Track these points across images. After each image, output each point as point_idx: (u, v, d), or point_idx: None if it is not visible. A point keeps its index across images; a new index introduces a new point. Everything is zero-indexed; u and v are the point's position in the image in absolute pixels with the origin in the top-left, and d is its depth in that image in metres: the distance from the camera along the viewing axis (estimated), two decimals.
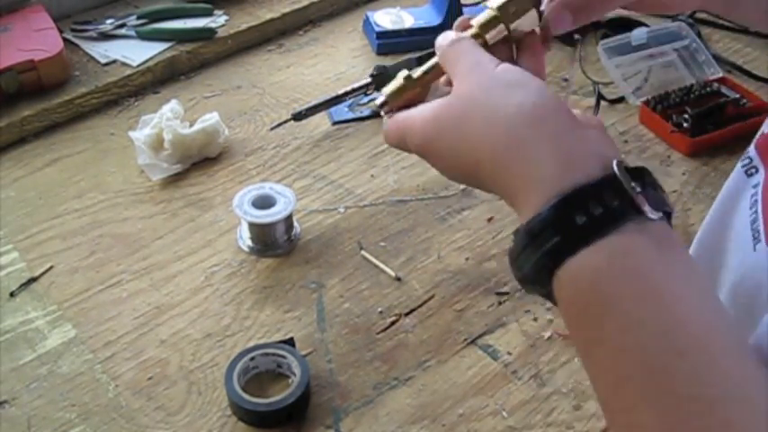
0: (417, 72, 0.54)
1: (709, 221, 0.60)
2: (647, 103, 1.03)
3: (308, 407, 0.72)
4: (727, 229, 0.55)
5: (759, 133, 0.53)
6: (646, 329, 0.38)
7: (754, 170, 0.53)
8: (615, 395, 0.40)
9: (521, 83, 0.46)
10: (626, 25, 1.19)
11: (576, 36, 1.13)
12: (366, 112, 1.07)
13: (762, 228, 0.48)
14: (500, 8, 0.51)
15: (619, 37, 1.11)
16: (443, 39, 0.52)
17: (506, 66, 0.47)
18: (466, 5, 1.22)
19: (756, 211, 0.50)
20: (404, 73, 0.54)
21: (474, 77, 0.47)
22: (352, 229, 0.90)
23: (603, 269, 0.40)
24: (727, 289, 0.53)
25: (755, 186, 0.51)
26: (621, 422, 0.40)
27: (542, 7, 0.52)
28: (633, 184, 0.41)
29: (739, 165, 0.55)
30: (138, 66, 1.10)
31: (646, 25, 1.19)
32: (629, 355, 0.39)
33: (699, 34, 1.18)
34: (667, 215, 0.42)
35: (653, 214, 0.40)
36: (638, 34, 1.10)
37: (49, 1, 1.15)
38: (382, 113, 0.55)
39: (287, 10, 1.22)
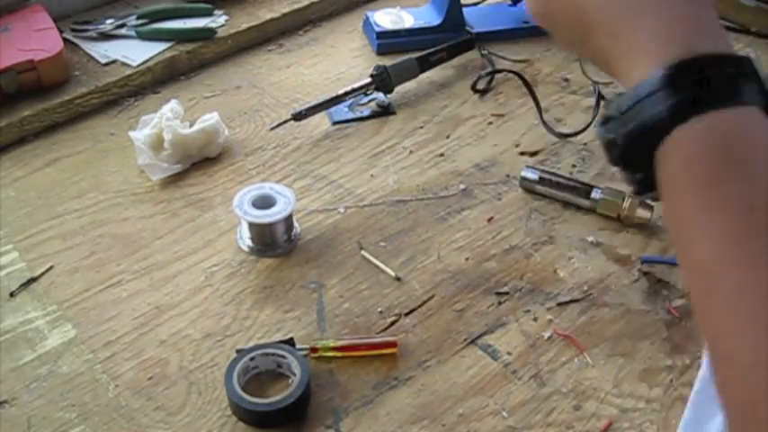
0: None
1: None
2: None
3: (308, 407, 0.72)
4: None
5: None
6: None
7: None
8: (739, 248, 0.37)
9: None
10: None
11: None
12: (366, 112, 1.07)
13: None
14: None
15: None
16: None
17: None
18: (466, 5, 1.22)
19: None
20: None
21: None
22: (352, 229, 0.90)
23: (740, 126, 0.39)
24: None
25: None
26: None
27: None
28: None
29: None
30: (138, 66, 1.10)
31: None
32: (758, 212, 0.37)
33: None
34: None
35: None
36: None
37: (49, 1, 1.15)
38: None
39: (287, 10, 1.22)
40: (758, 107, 0.39)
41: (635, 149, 0.41)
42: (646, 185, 0.42)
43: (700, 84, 0.39)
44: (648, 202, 0.89)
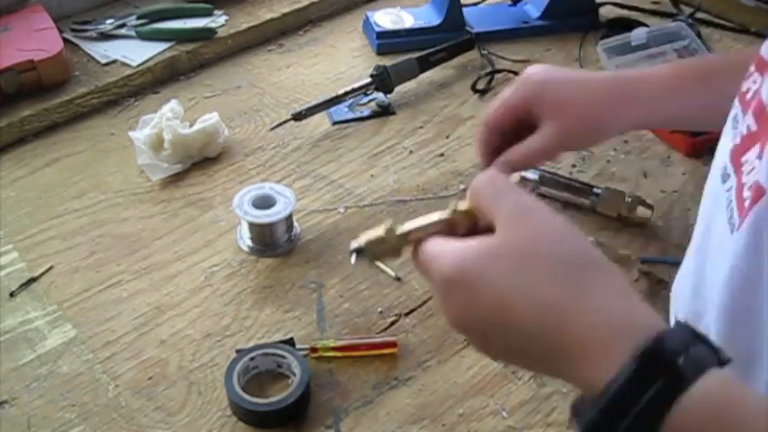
0: (404, 228, 0.50)
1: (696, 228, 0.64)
2: None
3: (308, 407, 0.72)
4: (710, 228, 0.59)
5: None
6: None
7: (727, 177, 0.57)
8: None
9: (572, 231, 0.46)
10: (626, 25, 1.19)
11: None
12: (366, 112, 1.07)
13: (736, 221, 0.52)
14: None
15: (618, 37, 1.11)
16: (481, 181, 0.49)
17: (552, 211, 0.46)
18: (466, 5, 1.22)
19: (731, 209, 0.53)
20: (386, 225, 0.50)
21: (525, 223, 0.46)
22: (352, 229, 0.90)
23: (724, 391, 0.40)
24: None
25: (729, 190, 0.55)
26: None
27: None
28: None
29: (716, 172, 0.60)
30: (138, 66, 1.10)
31: (645, 25, 1.19)
32: None
33: (699, 34, 1.18)
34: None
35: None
36: (637, 34, 1.10)
37: (49, 1, 1.15)
38: (352, 260, 0.50)
39: (287, 10, 1.22)
40: (717, 365, 0.41)
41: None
42: None
43: (669, 370, 0.40)
44: (648, 202, 0.89)
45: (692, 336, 0.41)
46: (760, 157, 0.50)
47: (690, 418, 0.40)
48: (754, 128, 0.52)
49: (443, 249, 0.47)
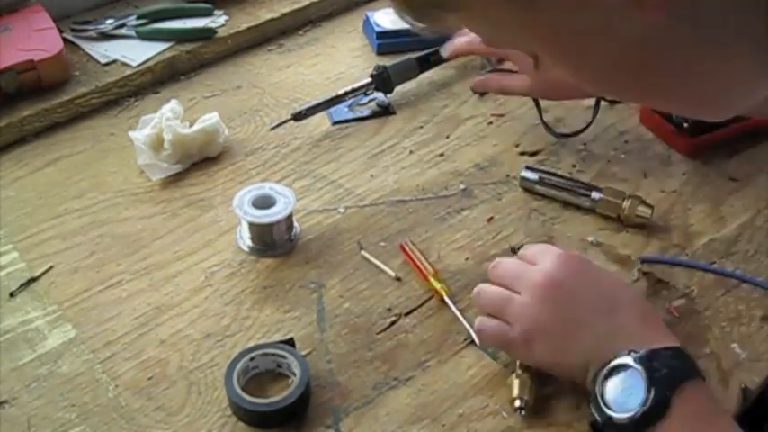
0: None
1: None
2: None
3: (308, 407, 0.72)
4: None
5: None
6: None
7: None
8: None
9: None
10: None
11: None
12: (366, 112, 1.07)
13: None
14: None
15: None
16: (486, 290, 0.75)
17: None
18: None
19: None
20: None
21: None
22: (352, 229, 0.90)
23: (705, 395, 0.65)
24: None
25: None
26: None
27: None
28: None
29: None
30: (138, 66, 1.10)
31: None
32: None
33: None
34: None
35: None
36: None
37: (49, 1, 1.15)
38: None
39: (287, 10, 1.22)
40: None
41: (669, 380, 0.62)
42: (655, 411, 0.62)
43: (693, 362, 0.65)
44: (648, 202, 0.89)
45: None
46: None
47: (690, 396, 0.62)
48: None
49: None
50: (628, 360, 0.64)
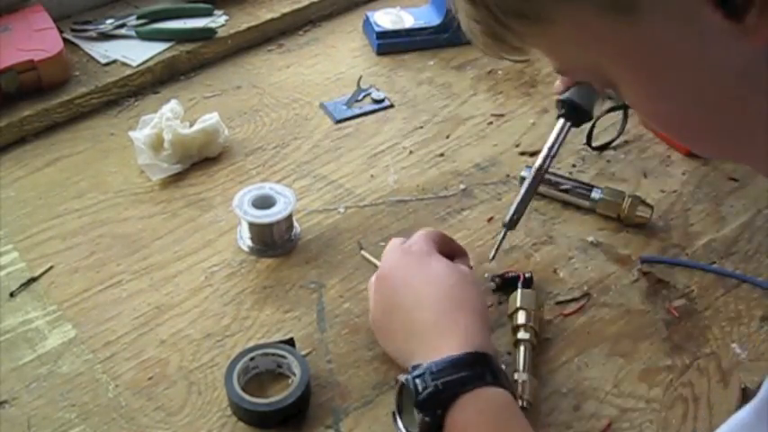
0: None
1: None
2: None
3: (308, 407, 0.72)
4: None
5: None
6: None
7: None
8: None
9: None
10: None
11: None
12: (365, 108, 1.07)
13: None
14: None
15: None
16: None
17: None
18: None
19: None
20: None
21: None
22: (352, 229, 0.90)
23: (504, 400, 0.65)
24: None
25: None
26: None
27: None
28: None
29: None
30: (138, 66, 1.10)
31: None
32: None
33: None
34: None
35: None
36: None
37: (49, 1, 1.15)
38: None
39: (287, 10, 1.22)
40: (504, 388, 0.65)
41: (438, 399, 0.63)
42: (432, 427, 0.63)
43: (482, 369, 0.65)
44: (648, 202, 0.89)
45: (489, 362, 0.66)
46: None
47: (468, 408, 0.63)
48: None
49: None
50: (405, 378, 0.65)
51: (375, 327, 0.75)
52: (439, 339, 0.68)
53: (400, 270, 0.74)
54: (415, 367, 0.66)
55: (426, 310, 0.70)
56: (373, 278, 0.76)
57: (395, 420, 0.67)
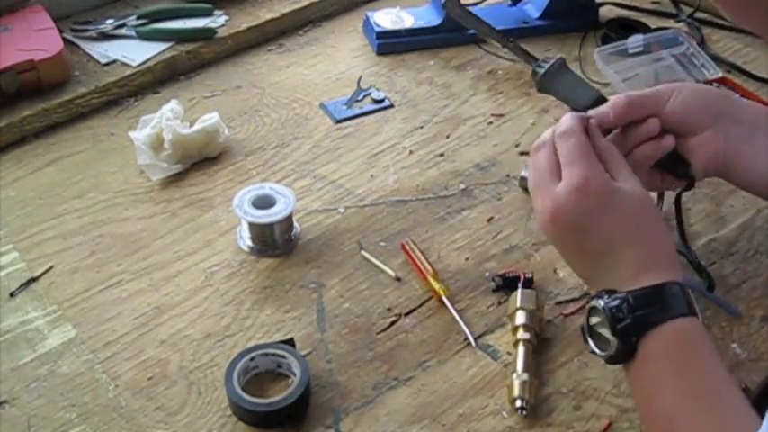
0: None
1: None
2: None
3: (308, 407, 0.72)
4: None
5: None
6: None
7: None
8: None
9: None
10: (626, 25, 1.19)
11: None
12: (366, 108, 1.07)
13: None
14: None
15: (615, 44, 1.10)
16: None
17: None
18: (467, 5, 1.22)
19: None
20: None
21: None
22: (352, 229, 0.90)
23: (686, 331, 0.65)
24: None
25: None
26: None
27: None
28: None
29: None
30: (138, 66, 1.10)
31: (646, 25, 1.19)
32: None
33: (700, 35, 1.18)
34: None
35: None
36: (633, 41, 1.09)
37: (49, 1, 1.15)
38: None
39: (287, 10, 1.22)
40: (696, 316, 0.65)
41: (635, 329, 0.64)
42: (621, 355, 0.65)
43: (675, 300, 0.65)
44: None
45: (682, 292, 0.65)
46: None
47: (661, 339, 0.63)
48: None
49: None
50: (599, 303, 0.66)
51: (558, 244, 0.72)
52: (634, 267, 0.67)
53: (591, 203, 0.68)
54: (608, 292, 0.66)
55: (620, 235, 0.68)
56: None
57: (586, 340, 0.68)
